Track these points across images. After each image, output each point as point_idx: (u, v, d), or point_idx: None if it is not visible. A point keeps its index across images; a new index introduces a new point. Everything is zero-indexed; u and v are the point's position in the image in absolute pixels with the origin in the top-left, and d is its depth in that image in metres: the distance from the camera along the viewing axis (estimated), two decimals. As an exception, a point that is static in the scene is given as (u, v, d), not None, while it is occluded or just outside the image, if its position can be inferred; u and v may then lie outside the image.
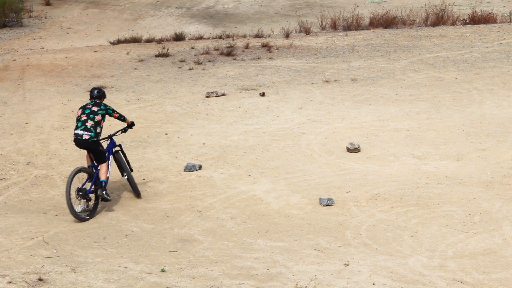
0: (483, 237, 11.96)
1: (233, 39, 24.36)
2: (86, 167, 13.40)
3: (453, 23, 25.32)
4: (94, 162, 13.41)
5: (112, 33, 27.29)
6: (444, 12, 25.65)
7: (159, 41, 24.49)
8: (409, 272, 10.95)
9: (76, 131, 13.10)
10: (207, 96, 18.99)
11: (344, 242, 11.94)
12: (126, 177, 13.81)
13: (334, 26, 25.63)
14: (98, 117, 13.12)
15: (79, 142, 13.11)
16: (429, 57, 21.60)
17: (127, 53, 22.95)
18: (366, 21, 25.88)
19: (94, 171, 13.36)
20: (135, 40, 24.60)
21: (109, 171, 13.48)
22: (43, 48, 25.13)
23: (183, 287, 10.56)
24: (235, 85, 19.84)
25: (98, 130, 13.10)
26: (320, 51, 22.68)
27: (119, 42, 24.54)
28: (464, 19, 25.41)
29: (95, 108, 13.18)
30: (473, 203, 13.09)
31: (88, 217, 12.97)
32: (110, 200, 13.24)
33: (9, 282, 10.57)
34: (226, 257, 11.43)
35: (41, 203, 13.84)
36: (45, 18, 29.97)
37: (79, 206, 13.06)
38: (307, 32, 24.96)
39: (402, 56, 21.73)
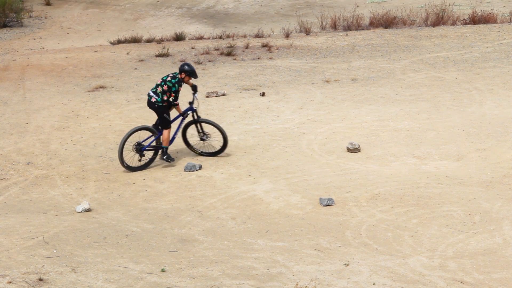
0: (483, 237, 11.96)
1: (233, 39, 24.37)
2: (151, 126, 15.06)
3: (453, 23, 25.32)
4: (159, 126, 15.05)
5: (112, 33, 27.30)
6: (444, 12, 25.66)
7: (159, 41, 24.50)
8: (409, 272, 10.96)
9: (149, 91, 14.95)
10: (207, 96, 18.99)
11: (344, 242, 11.94)
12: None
13: (334, 26, 25.64)
14: (165, 87, 14.84)
15: (148, 102, 14.98)
16: (429, 57, 21.60)
17: (127, 53, 22.95)
18: (366, 21, 25.88)
19: (158, 132, 15.07)
20: (135, 40, 24.60)
21: (176, 131, 15.17)
22: (43, 48, 25.13)
23: (183, 287, 10.56)
24: (235, 85, 19.84)
25: (165, 97, 14.76)
26: (320, 51, 22.68)
27: (119, 42, 24.55)
28: (464, 19, 25.42)
29: (169, 79, 14.86)
30: (473, 203, 13.09)
31: (136, 170, 14.84)
32: (173, 160, 15.01)
33: (9, 282, 10.57)
34: (226, 257, 11.43)
35: (41, 203, 13.84)
36: (45, 18, 29.98)
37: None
38: (307, 32, 24.97)
39: (402, 56, 21.74)
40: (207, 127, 15.59)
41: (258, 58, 22.14)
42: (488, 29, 24.08)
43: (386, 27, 25.31)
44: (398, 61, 21.32)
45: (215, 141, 15.56)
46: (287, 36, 24.56)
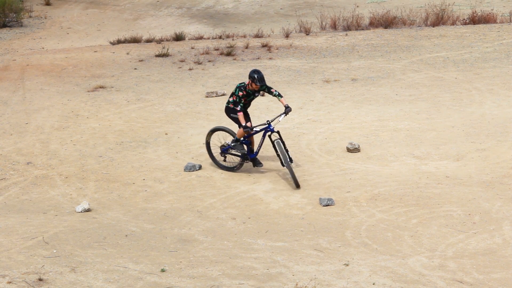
0: (483, 237, 11.96)
1: (233, 39, 24.36)
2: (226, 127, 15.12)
3: (453, 23, 25.32)
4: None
5: (112, 33, 27.29)
6: (444, 12, 25.65)
7: (159, 41, 24.50)
8: (409, 272, 10.96)
9: None
10: (207, 96, 18.99)
11: (344, 242, 11.94)
12: (284, 167, 14.46)
13: (334, 26, 25.63)
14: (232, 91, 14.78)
15: None
16: (429, 57, 21.60)
17: (127, 53, 22.95)
18: (366, 21, 25.88)
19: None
20: (135, 40, 24.60)
21: (258, 148, 14.75)
22: (43, 48, 25.13)
23: (183, 287, 10.56)
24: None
25: (231, 99, 14.61)
26: (320, 51, 22.68)
27: (119, 42, 24.54)
28: (464, 19, 25.41)
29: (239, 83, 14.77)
30: (473, 203, 13.09)
31: (224, 168, 14.97)
32: (241, 153, 14.75)
33: (9, 282, 10.57)
34: (226, 257, 11.43)
35: (41, 203, 13.84)
36: (45, 18, 29.97)
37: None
38: (307, 32, 24.96)
39: (402, 56, 21.73)
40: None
41: (258, 58, 22.14)
42: (488, 29, 24.08)
43: (386, 27, 25.31)
44: (398, 61, 21.31)
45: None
46: (287, 36, 24.55)
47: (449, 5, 26.98)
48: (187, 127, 17.06)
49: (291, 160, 14.26)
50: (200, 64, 21.65)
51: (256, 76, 14.26)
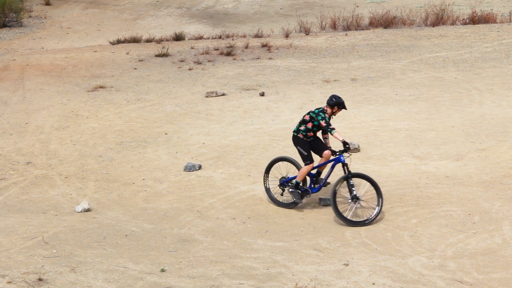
0: (482, 237, 11.96)
1: (233, 39, 24.36)
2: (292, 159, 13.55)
3: (453, 23, 25.32)
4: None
5: (112, 33, 27.29)
6: (444, 12, 25.66)
7: (159, 41, 24.50)
8: (408, 272, 10.96)
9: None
10: (207, 96, 18.99)
11: (344, 242, 11.94)
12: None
13: (334, 26, 25.63)
14: (306, 117, 13.16)
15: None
16: (429, 57, 21.60)
17: (127, 53, 22.95)
18: (366, 21, 25.88)
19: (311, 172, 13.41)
20: (135, 40, 24.60)
21: (324, 181, 13.22)
22: (43, 48, 25.13)
23: (183, 287, 10.56)
24: (235, 85, 19.84)
25: (302, 128, 13.13)
26: (320, 51, 22.68)
27: (119, 42, 24.55)
28: (464, 19, 25.42)
29: (312, 110, 13.24)
30: (473, 203, 13.09)
31: (284, 205, 13.36)
32: (297, 201, 13.21)
33: (9, 282, 10.57)
34: (226, 257, 11.43)
35: (40, 203, 13.84)
36: (45, 18, 29.97)
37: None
38: (307, 32, 24.96)
39: (402, 56, 21.73)
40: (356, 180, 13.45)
41: (258, 58, 22.14)
42: (488, 29, 24.08)
43: (385, 27, 25.31)
44: (398, 61, 21.31)
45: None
46: (287, 36, 24.55)
47: (449, 5, 26.99)
48: (187, 127, 17.06)
49: (356, 198, 12.82)
50: (200, 64, 21.65)
51: (342, 101, 13.07)
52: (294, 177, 13.35)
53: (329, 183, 13.32)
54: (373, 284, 10.60)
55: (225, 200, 13.68)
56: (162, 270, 11.00)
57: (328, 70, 20.86)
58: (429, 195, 13.46)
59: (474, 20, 25.00)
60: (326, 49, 22.82)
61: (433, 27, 24.96)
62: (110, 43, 24.62)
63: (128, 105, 18.52)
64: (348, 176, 12.81)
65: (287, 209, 13.28)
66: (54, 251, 11.62)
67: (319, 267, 11.07)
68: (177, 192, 14.10)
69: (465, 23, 25.15)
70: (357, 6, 29.18)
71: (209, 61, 21.99)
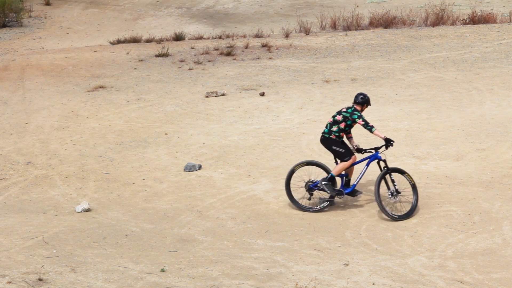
0: (483, 237, 11.96)
1: (233, 39, 24.36)
2: (322, 163, 13.39)
3: (453, 23, 25.32)
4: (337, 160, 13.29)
5: (112, 33, 27.29)
6: (444, 12, 25.65)
7: (159, 41, 24.50)
8: (409, 272, 10.96)
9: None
10: (207, 96, 18.99)
11: (344, 242, 11.94)
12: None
13: (334, 26, 25.63)
14: (338, 117, 13.12)
15: (320, 138, 13.32)
16: (429, 57, 21.60)
17: (127, 53, 22.95)
18: (366, 21, 25.87)
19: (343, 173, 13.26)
20: (135, 40, 24.60)
21: (358, 180, 13.16)
22: (43, 48, 25.13)
23: (183, 287, 10.56)
24: (235, 85, 19.84)
25: (334, 128, 13.09)
26: (320, 51, 22.68)
27: (119, 42, 24.54)
28: (464, 19, 25.41)
29: (343, 109, 13.21)
30: (473, 203, 13.09)
31: (310, 209, 13.07)
32: (330, 195, 13.11)
33: (9, 282, 10.57)
34: (226, 257, 11.43)
35: (40, 203, 13.84)
36: (45, 18, 29.97)
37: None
38: (307, 32, 24.96)
39: (402, 56, 21.74)
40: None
41: (258, 58, 22.14)
42: (488, 29, 24.08)
43: (385, 27, 25.31)
44: (398, 61, 21.31)
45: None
46: (287, 36, 24.55)
47: (449, 5, 26.99)
48: (187, 127, 17.06)
49: (398, 192, 12.94)
50: (200, 64, 21.65)
51: (368, 98, 13.17)
52: (325, 178, 13.19)
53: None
54: (373, 284, 10.60)
55: (225, 200, 13.68)
56: (162, 270, 11.00)
57: (328, 70, 20.86)
58: (429, 195, 13.46)
59: (474, 20, 25.00)
60: (326, 49, 22.82)
61: (433, 27, 24.96)
62: (110, 43, 24.62)
63: (128, 105, 18.52)
64: (388, 171, 12.94)
65: (287, 209, 13.27)
66: (54, 251, 11.62)
67: (319, 267, 11.07)
68: (177, 192, 14.10)
69: (465, 23, 25.15)
70: (357, 6, 29.17)
71: (209, 61, 21.99)
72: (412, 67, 20.78)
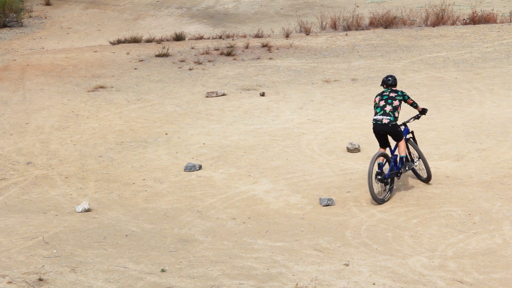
0: (483, 237, 11.96)
1: (233, 39, 24.37)
2: (383, 153, 13.77)
3: (453, 23, 25.32)
4: (393, 144, 14.04)
5: (112, 33, 27.29)
6: (444, 12, 25.65)
7: (159, 41, 24.50)
8: (409, 272, 10.96)
9: (375, 117, 13.70)
10: (207, 96, 18.99)
11: (344, 242, 11.95)
12: (416, 164, 13.98)
13: (334, 26, 25.63)
14: (395, 102, 13.71)
15: (378, 127, 13.66)
16: (429, 57, 21.60)
17: (127, 53, 22.95)
18: (366, 21, 25.88)
19: (391, 156, 13.85)
20: (135, 40, 24.61)
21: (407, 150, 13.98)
22: (43, 48, 25.13)
23: (183, 287, 10.56)
24: (235, 85, 19.84)
25: (396, 114, 13.64)
26: (320, 51, 22.68)
27: (119, 42, 24.55)
28: (464, 19, 25.41)
29: (392, 94, 13.77)
30: (473, 203, 13.09)
31: (386, 199, 13.45)
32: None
33: (9, 282, 10.57)
34: (226, 257, 11.43)
35: (41, 203, 13.84)
36: (45, 18, 29.98)
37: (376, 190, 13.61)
38: (307, 32, 24.96)
39: (402, 56, 21.74)
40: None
41: (258, 58, 22.14)
42: (488, 29, 24.08)
43: (386, 27, 25.31)
44: (398, 61, 21.32)
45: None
46: (287, 36, 24.55)
47: (449, 5, 26.99)
48: (187, 127, 17.06)
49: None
50: (200, 64, 21.65)
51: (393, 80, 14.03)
52: (397, 167, 13.76)
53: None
54: (374, 284, 10.60)
55: (225, 200, 13.68)
56: (163, 270, 11.00)
57: (329, 70, 20.86)
58: (430, 195, 13.46)
59: (475, 20, 25.00)
60: (327, 49, 22.82)
61: (434, 27, 24.96)
62: (111, 43, 24.62)
63: (129, 105, 18.52)
64: (409, 139, 14.13)
65: (287, 209, 13.28)
66: (55, 251, 11.63)
67: (320, 267, 11.07)
68: (177, 192, 14.10)
69: (465, 23, 25.15)
70: (357, 6, 29.18)
71: (209, 61, 21.99)
72: (413, 67, 20.78)
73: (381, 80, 14.52)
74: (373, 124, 13.68)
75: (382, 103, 13.69)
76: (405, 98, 13.76)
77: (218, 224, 12.71)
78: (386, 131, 13.62)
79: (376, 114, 13.67)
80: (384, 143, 13.79)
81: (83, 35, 27.50)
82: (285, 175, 14.57)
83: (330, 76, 20.30)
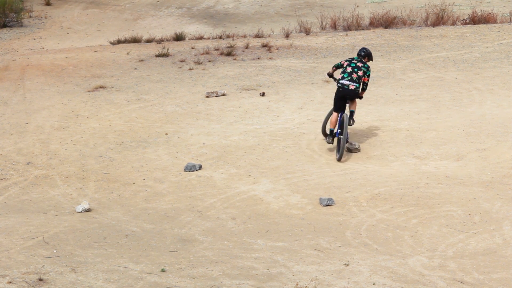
0: (483, 237, 11.96)
1: (233, 39, 24.36)
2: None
3: (453, 23, 25.31)
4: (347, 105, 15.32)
5: (112, 33, 27.29)
6: (444, 12, 25.64)
7: (159, 41, 24.49)
8: (409, 272, 10.96)
9: (342, 81, 15.12)
10: (207, 96, 18.99)
11: (344, 242, 11.95)
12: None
13: (334, 26, 25.63)
14: (360, 73, 15.12)
15: (345, 91, 15.07)
16: (429, 57, 21.60)
17: (127, 53, 22.95)
18: (366, 21, 25.86)
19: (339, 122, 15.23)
20: (135, 40, 24.59)
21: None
22: (43, 48, 25.13)
23: (183, 287, 10.56)
24: (235, 85, 19.84)
25: (360, 82, 15.08)
26: (320, 51, 22.68)
27: (119, 42, 24.54)
28: (464, 19, 25.40)
29: (359, 64, 15.18)
30: (473, 203, 13.09)
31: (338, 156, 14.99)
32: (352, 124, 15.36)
33: (9, 282, 10.57)
34: (226, 257, 11.43)
35: (41, 203, 13.84)
36: (45, 18, 29.97)
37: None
38: (307, 32, 24.96)
39: (402, 56, 21.73)
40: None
41: (258, 58, 22.14)
42: (488, 29, 24.08)
43: (386, 27, 25.30)
44: (398, 61, 21.32)
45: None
46: (287, 36, 24.55)
47: (449, 5, 26.97)
48: (187, 127, 17.06)
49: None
50: (200, 64, 21.65)
51: (370, 53, 15.47)
52: (350, 116, 15.22)
53: None
54: (374, 284, 10.60)
55: (225, 200, 13.68)
56: (163, 270, 11.00)
57: (329, 70, 20.86)
58: (430, 195, 13.46)
59: (475, 20, 24.99)
60: (327, 49, 22.82)
61: (434, 27, 24.95)
62: (111, 43, 24.62)
63: (129, 105, 18.52)
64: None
65: (287, 209, 13.28)
66: (55, 251, 11.63)
67: (320, 267, 11.07)
68: (177, 192, 14.10)
69: (465, 23, 25.14)
70: (357, 6, 29.17)
71: (209, 61, 21.99)
72: (413, 67, 20.78)
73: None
74: (339, 88, 14.98)
75: (349, 69, 15.06)
76: (367, 73, 14.99)
77: (218, 224, 12.71)
78: (350, 96, 15.01)
79: (343, 78, 15.07)
80: (341, 108, 15.07)
81: (83, 35, 27.50)
82: (285, 175, 14.57)
83: (330, 76, 20.29)
